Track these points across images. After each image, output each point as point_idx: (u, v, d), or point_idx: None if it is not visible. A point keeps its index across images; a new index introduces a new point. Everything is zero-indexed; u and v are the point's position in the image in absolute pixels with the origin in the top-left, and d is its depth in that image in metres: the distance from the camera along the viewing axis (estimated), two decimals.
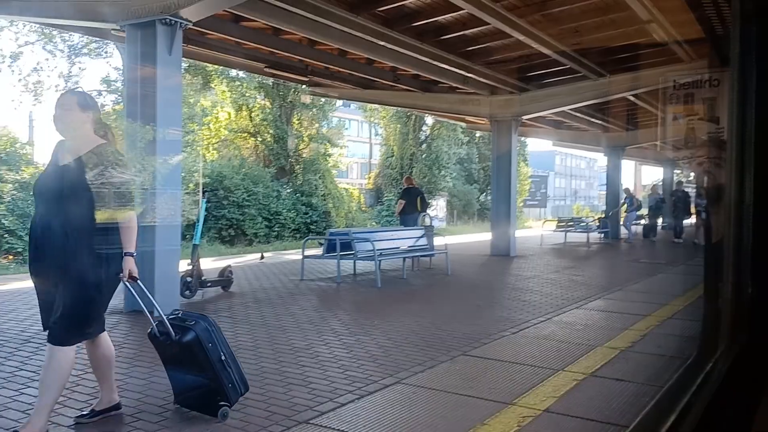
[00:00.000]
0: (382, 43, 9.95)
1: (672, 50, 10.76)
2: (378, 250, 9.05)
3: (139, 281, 3.34)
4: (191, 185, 11.96)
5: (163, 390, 3.82)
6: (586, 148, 27.65)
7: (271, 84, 22.24)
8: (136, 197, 3.63)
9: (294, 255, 12.69)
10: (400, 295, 8.48)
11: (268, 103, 23.89)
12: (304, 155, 24.32)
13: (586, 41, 10.85)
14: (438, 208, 29.41)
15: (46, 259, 3.25)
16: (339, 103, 30.81)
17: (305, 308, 7.09)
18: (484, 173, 34.30)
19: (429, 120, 30.02)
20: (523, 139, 31.25)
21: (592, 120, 19.10)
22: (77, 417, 3.48)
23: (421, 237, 10.83)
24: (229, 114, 23.08)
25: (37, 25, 16.68)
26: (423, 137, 31.33)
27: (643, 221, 21.71)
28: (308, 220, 22.29)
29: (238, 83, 22.65)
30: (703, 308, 4.28)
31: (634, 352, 5.07)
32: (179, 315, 3.59)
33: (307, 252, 9.90)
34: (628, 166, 36.96)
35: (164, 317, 3.47)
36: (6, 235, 13.20)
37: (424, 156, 30.81)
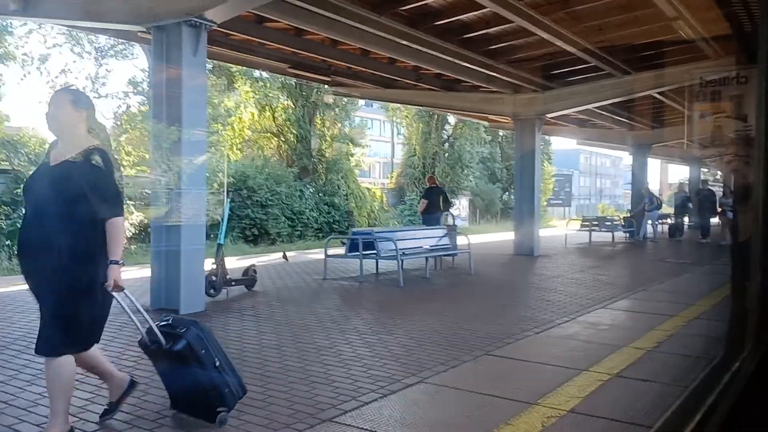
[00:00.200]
0: (405, 42, 9.94)
1: (698, 47, 10.62)
2: (400, 249, 9.05)
3: (125, 290, 3.16)
4: (215, 185, 12.04)
5: (160, 395, 3.73)
6: (612, 146, 27.36)
7: (294, 84, 22.36)
8: (124, 202, 3.47)
9: (317, 254, 12.72)
10: (423, 295, 8.48)
11: (291, 103, 23.99)
12: (326, 155, 24.39)
13: (610, 39, 10.76)
14: (461, 207, 29.31)
15: (35, 264, 3.11)
16: (361, 102, 30.85)
17: (328, 307, 7.13)
18: (507, 172, 34.16)
19: (451, 119, 29.88)
20: (546, 137, 31.01)
21: (618, 118, 18.89)
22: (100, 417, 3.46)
23: (444, 236, 10.81)
24: (253, 114, 23.21)
25: (65, 28, 16.92)
26: (445, 136, 31.24)
27: (669, 220, 21.40)
28: (331, 220, 22.36)
29: (262, 84, 22.77)
30: (730, 307, 4.22)
31: (660, 352, 5.00)
32: (170, 322, 3.45)
33: (330, 251, 9.93)
34: (654, 164, 36.65)
35: (154, 326, 3.35)
36: None
37: (446, 155, 30.73)
